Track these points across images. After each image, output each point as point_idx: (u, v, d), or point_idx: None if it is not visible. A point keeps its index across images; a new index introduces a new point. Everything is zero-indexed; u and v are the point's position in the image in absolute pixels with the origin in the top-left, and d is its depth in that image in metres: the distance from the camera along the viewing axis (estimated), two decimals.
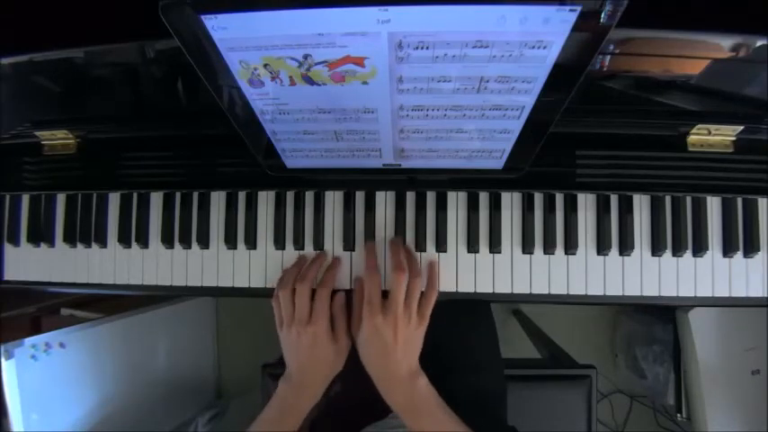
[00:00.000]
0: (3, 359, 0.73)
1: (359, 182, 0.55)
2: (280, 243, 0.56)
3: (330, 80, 0.35)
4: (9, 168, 0.60)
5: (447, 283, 0.54)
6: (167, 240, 0.58)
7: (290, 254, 0.56)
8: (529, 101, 0.37)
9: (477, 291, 0.54)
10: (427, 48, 0.32)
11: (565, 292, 0.54)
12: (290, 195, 0.57)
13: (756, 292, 0.53)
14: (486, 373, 0.64)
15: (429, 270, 0.54)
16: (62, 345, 0.83)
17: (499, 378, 0.66)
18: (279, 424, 0.50)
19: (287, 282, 0.52)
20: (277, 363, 0.76)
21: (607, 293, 0.53)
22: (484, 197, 0.55)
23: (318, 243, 0.56)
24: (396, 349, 0.48)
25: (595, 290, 0.54)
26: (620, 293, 0.53)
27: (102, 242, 0.59)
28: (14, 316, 0.83)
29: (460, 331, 0.51)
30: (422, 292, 0.51)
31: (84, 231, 0.60)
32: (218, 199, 0.58)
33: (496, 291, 0.54)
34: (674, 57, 0.42)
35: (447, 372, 0.50)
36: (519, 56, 0.32)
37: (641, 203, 0.54)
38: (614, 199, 0.54)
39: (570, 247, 0.54)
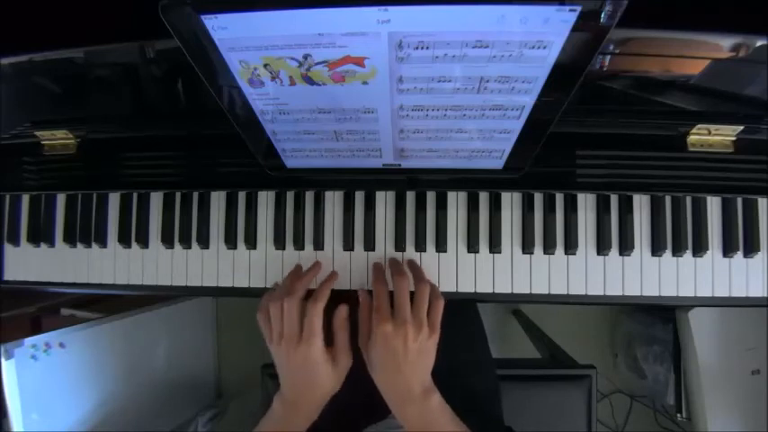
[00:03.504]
0: (3, 359, 0.73)
1: (359, 182, 0.55)
2: (280, 243, 0.56)
3: (330, 80, 0.35)
4: (9, 168, 0.60)
5: (447, 284, 0.54)
6: (167, 240, 0.58)
7: (290, 254, 0.56)
8: (529, 101, 0.37)
9: (478, 291, 0.54)
10: (427, 48, 0.32)
11: (565, 292, 0.54)
12: (290, 195, 0.57)
13: (756, 292, 0.53)
14: (477, 374, 0.64)
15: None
16: (62, 345, 0.83)
17: (491, 377, 0.66)
18: None
19: (277, 295, 0.48)
20: None
21: (607, 293, 0.53)
22: (484, 197, 0.55)
23: (318, 243, 0.56)
24: (407, 361, 0.45)
25: (595, 290, 0.54)
26: (620, 293, 0.53)
27: (102, 242, 0.59)
28: (14, 316, 0.83)
29: (448, 332, 0.49)
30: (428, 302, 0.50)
31: (84, 231, 0.60)
32: (218, 199, 0.58)
33: (496, 291, 0.54)
34: (674, 57, 0.42)
35: (436, 375, 0.48)
36: (519, 56, 0.32)
37: (641, 203, 0.54)
38: (614, 199, 0.54)
39: (570, 247, 0.54)
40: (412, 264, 0.54)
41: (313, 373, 0.47)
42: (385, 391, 0.47)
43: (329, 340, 0.48)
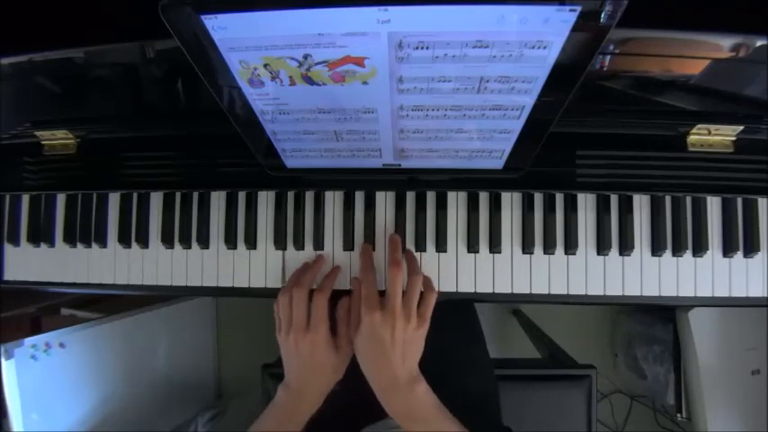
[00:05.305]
0: (3, 359, 0.73)
1: (359, 182, 0.55)
2: (280, 243, 0.56)
3: (330, 80, 0.35)
4: (9, 168, 0.60)
5: (447, 284, 0.54)
6: (167, 240, 0.58)
7: (291, 254, 0.56)
8: (529, 101, 0.37)
9: (477, 291, 0.54)
10: (427, 48, 0.32)
11: (565, 292, 0.54)
12: (290, 195, 0.57)
13: (756, 292, 0.53)
14: (474, 375, 0.64)
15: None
16: (62, 345, 0.83)
17: (489, 378, 0.66)
18: (278, 430, 0.49)
19: (287, 287, 0.51)
20: (277, 363, 0.76)
21: (607, 293, 0.53)
22: (484, 197, 0.55)
23: (318, 243, 0.56)
24: (394, 350, 0.46)
25: (595, 290, 0.54)
26: (621, 293, 0.53)
27: (102, 242, 0.59)
28: (14, 316, 0.83)
29: (445, 333, 0.50)
30: (421, 293, 0.50)
31: (84, 231, 0.60)
32: (218, 199, 0.58)
33: (496, 291, 0.54)
34: (674, 57, 0.42)
35: (434, 376, 0.49)
36: (519, 56, 0.32)
37: (641, 203, 0.54)
38: (614, 199, 0.54)
39: (570, 247, 0.54)
40: (408, 254, 0.54)
41: (319, 358, 0.50)
42: (371, 378, 0.48)
43: (332, 332, 0.51)
